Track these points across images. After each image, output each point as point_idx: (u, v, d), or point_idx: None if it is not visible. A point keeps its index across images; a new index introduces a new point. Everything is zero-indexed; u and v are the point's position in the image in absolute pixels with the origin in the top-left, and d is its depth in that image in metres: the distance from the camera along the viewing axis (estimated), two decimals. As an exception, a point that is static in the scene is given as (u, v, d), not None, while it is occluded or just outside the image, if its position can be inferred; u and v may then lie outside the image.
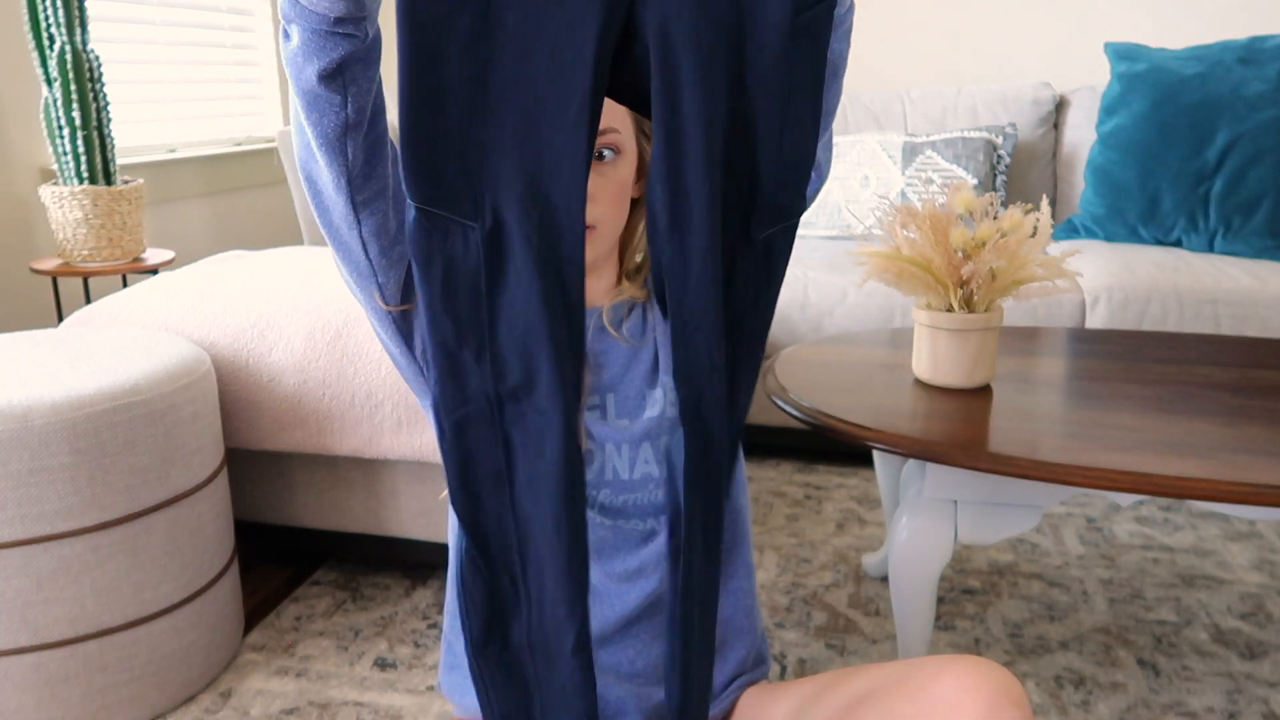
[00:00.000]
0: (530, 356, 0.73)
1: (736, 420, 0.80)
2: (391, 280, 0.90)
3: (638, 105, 0.72)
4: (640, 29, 0.68)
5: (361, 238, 0.87)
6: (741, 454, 1.01)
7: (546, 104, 0.67)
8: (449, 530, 1.01)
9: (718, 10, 0.68)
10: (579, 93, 0.67)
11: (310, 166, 0.86)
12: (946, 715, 0.80)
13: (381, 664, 1.53)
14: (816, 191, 0.97)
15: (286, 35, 0.79)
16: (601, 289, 1.02)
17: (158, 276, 1.84)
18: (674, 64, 0.68)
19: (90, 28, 2.14)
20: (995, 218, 1.33)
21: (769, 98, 0.71)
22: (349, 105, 0.81)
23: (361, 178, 0.84)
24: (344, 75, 0.79)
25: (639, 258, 1.04)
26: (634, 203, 0.99)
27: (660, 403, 0.96)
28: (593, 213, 0.92)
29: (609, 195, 0.93)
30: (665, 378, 0.96)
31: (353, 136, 0.82)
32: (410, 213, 0.71)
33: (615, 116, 0.92)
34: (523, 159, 0.68)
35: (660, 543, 0.97)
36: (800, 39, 0.70)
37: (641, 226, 1.01)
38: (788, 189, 0.75)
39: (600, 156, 0.92)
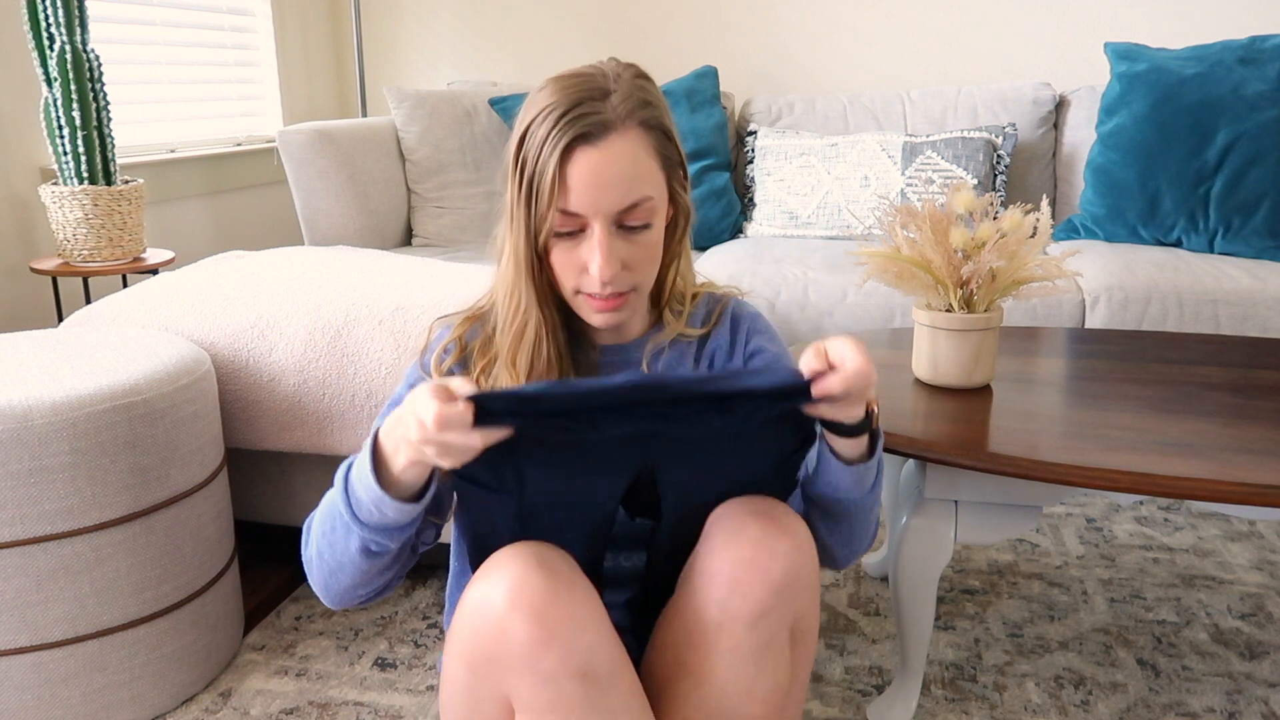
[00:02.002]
0: None
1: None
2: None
3: (645, 514, 0.92)
4: (658, 483, 0.88)
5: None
6: None
7: (570, 527, 0.89)
8: (451, 536, 1.01)
9: (720, 471, 0.89)
10: (598, 520, 0.90)
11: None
12: (704, 539, 0.89)
13: (381, 664, 1.53)
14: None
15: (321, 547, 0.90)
16: (637, 325, 1.04)
17: (158, 276, 1.83)
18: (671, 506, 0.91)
19: (90, 28, 2.14)
20: (995, 218, 1.33)
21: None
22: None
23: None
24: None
25: (674, 283, 1.05)
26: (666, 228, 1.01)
27: None
28: (630, 279, 0.94)
29: (643, 258, 0.95)
30: None
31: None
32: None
33: (648, 181, 0.92)
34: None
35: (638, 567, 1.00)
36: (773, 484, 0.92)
37: (674, 257, 1.03)
38: None
39: (634, 229, 0.94)
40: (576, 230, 0.92)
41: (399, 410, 0.80)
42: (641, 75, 0.95)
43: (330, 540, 0.87)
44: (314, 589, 0.92)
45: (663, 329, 1.04)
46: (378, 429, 0.84)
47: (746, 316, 1.08)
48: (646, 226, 0.93)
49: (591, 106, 0.89)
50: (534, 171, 0.89)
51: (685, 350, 1.04)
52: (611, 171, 0.89)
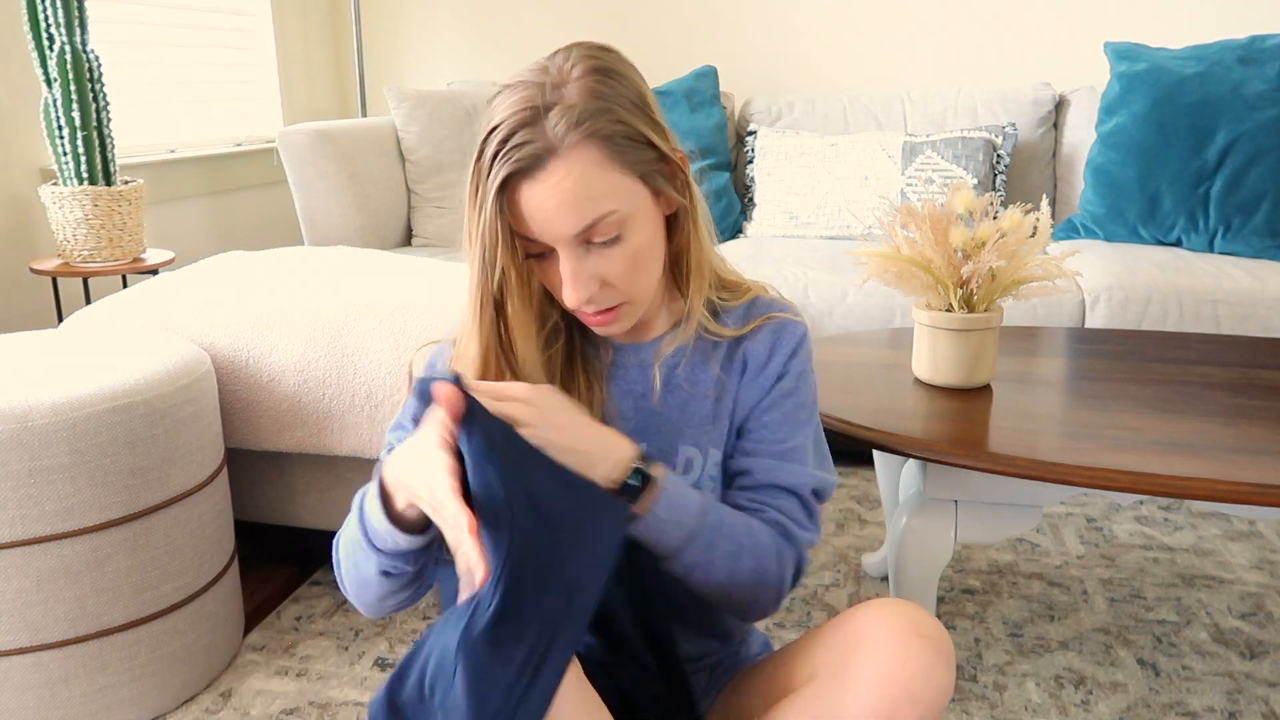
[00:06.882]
0: None
1: None
2: None
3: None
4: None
5: None
6: None
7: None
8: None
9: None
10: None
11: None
12: (858, 645, 0.80)
13: (381, 664, 1.53)
14: None
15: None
16: (653, 322, 0.96)
17: (158, 276, 1.84)
18: None
19: (90, 28, 2.14)
20: (995, 218, 1.33)
21: None
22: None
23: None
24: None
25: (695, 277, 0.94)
26: (670, 219, 0.91)
27: (697, 468, 0.93)
28: (614, 295, 0.87)
29: (623, 272, 0.86)
30: (715, 451, 0.94)
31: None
32: None
33: (606, 196, 0.83)
34: None
35: None
36: None
37: (680, 250, 0.93)
38: None
39: (604, 244, 0.85)
40: (547, 250, 0.85)
41: (401, 449, 0.80)
42: (597, 69, 0.83)
43: (354, 561, 0.88)
44: (349, 599, 0.94)
45: (681, 328, 0.95)
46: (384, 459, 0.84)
47: (796, 335, 0.96)
48: (617, 239, 0.85)
49: (525, 135, 0.80)
50: (480, 205, 0.83)
51: (710, 353, 0.95)
52: (555, 201, 0.81)
